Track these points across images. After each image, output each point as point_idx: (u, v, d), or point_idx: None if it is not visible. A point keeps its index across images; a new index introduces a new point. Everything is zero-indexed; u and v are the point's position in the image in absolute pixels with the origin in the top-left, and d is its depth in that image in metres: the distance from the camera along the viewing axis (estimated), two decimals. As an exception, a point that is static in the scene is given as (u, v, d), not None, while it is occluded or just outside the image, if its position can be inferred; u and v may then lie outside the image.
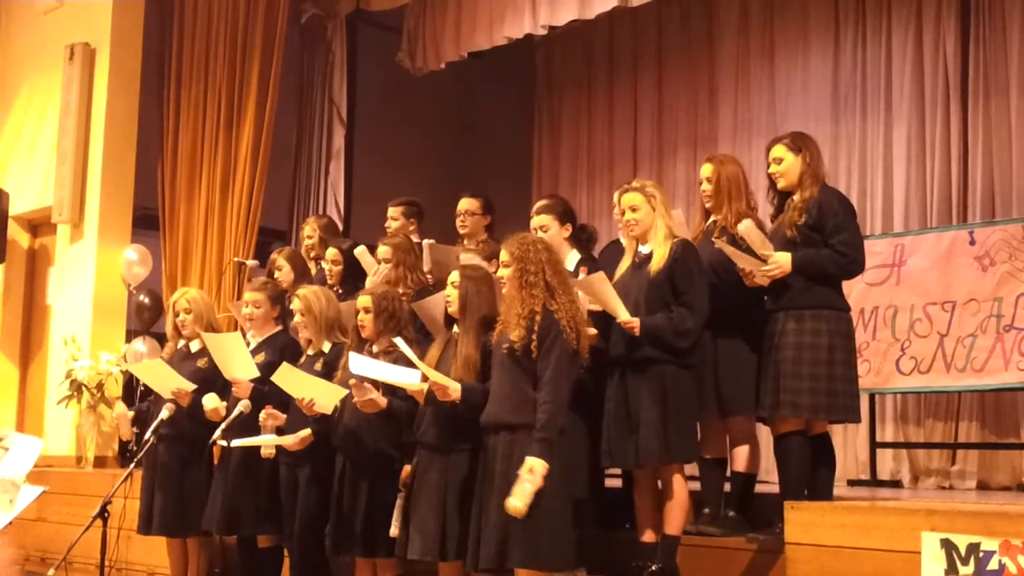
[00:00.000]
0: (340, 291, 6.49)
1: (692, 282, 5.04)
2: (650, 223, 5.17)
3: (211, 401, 6.09)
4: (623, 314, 4.98)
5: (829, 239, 5.06)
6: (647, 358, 5.00)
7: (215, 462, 6.26)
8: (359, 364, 5.07)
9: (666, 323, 4.98)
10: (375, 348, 5.45)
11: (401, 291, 5.91)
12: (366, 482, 5.33)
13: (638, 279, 5.13)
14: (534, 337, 4.63)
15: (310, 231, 7.42)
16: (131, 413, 6.50)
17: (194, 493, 6.27)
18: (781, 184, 5.27)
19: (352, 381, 5.19)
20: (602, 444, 5.15)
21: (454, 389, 4.84)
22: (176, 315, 6.53)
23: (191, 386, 6.21)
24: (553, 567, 4.62)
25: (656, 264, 5.07)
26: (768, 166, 5.32)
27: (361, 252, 6.53)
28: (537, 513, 4.49)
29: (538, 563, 4.57)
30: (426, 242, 6.43)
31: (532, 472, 4.47)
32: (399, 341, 5.08)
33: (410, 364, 5.04)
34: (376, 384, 5.18)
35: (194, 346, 6.49)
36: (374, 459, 5.31)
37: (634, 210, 5.20)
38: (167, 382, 6.28)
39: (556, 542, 4.57)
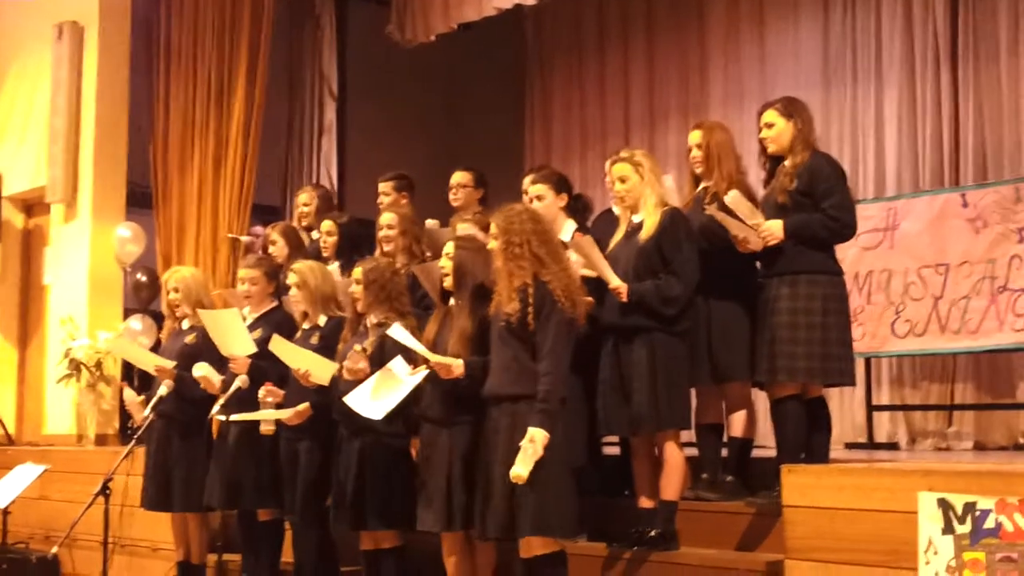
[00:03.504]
0: (338, 264, 6.51)
1: (680, 249, 5.06)
2: (639, 193, 5.19)
3: (200, 369, 6.11)
4: (612, 279, 5.01)
5: (820, 204, 5.07)
6: (637, 326, 5.04)
7: (214, 437, 6.30)
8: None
9: (653, 290, 5.01)
10: (370, 321, 5.46)
11: (404, 260, 5.93)
12: (366, 454, 5.34)
13: (628, 248, 5.16)
14: (529, 309, 4.64)
15: (307, 199, 7.41)
16: (140, 398, 6.50)
17: (195, 468, 6.30)
18: (772, 149, 5.27)
19: (355, 348, 5.21)
20: (599, 412, 5.18)
21: (456, 366, 4.85)
22: (167, 293, 6.57)
23: (169, 363, 6.24)
24: (560, 534, 4.66)
25: (646, 233, 5.10)
26: (760, 131, 5.33)
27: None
28: (543, 482, 4.52)
29: (546, 531, 4.61)
30: (427, 228, 6.44)
31: (533, 442, 4.50)
32: (396, 330, 5.08)
33: (407, 351, 5.06)
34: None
35: (185, 324, 6.53)
36: (373, 431, 5.33)
37: (623, 180, 5.22)
38: (144, 361, 6.31)
39: (562, 510, 4.61)
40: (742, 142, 5.79)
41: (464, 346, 4.92)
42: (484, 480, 4.75)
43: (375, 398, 5.07)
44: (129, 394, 6.60)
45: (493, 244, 4.84)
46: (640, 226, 5.16)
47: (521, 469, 4.46)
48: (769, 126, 5.27)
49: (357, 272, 5.49)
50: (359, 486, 5.32)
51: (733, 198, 5.10)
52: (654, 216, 5.12)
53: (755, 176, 5.71)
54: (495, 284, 4.89)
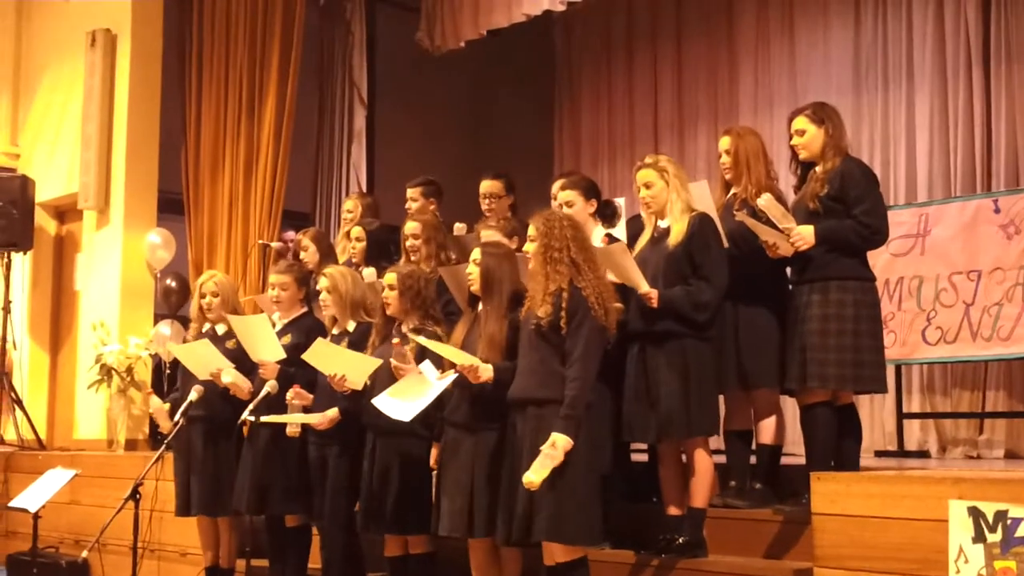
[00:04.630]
0: (373, 269, 6.52)
1: (709, 255, 5.04)
2: (665, 198, 5.18)
3: (228, 375, 6.15)
4: (643, 285, 4.99)
5: (852, 210, 5.03)
6: (666, 331, 5.01)
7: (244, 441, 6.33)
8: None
9: (683, 296, 4.99)
10: (403, 328, 5.48)
11: (430, 267, 5.94)
12: (396, 460, 5.37)
13: (656, 254, 5.14)
14: (563, 314, 4.64)
15: (352, 206, 7.41)
16: (167, 405, 6.52)
17: (224, 473, 6.33)
18: (803, 155, 5.25)
19: (395, 342, 5.22)
20: (623, 418, 5.17)
21: (485, 370, 4.86)
22: (203, 297, 6.58)
23: (231, 366, 6.27)
24: (578, 541, 4.65)
25: (674, 239, 5.08)
26: (790, 138, 5.31)
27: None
28: (563, 488, 4.51)
29: (563, 537, 4.60)
30: (457, 226, 6.44)
31: (554, 447, 4.49)
32: (421, 339, 5.11)
33: (437, 358, 5.07)
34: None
35: (220, 329, 6.54)
36: (404, 436, 5.35)
37: (648, 187, 5.21)
38: (209, 363, 6.33)
39: (581, 517, 4.59)
40: (772, 148, 5.78)
41: (493, 352, 4.92)
42: (507, 485, 4.74)
43: (404, 400, 5.08)
44: (155, 402, 6.63)
45: (530, 247, 4.83)
46: (667, 232, 5.15)
47: (534, 476, 4.44)
48: (800, 133, 5.25)
49: (391, 278, 5.51)
50: (398, 490, 5.34)
51: (766, 201, 5.08)
52: (681, 222, 5.11)
53: (786, 182, 5.68)
54: (525, 289, 4.89)
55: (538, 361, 4.70)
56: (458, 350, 4.97)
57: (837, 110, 5.33)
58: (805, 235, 5.04)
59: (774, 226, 5.08)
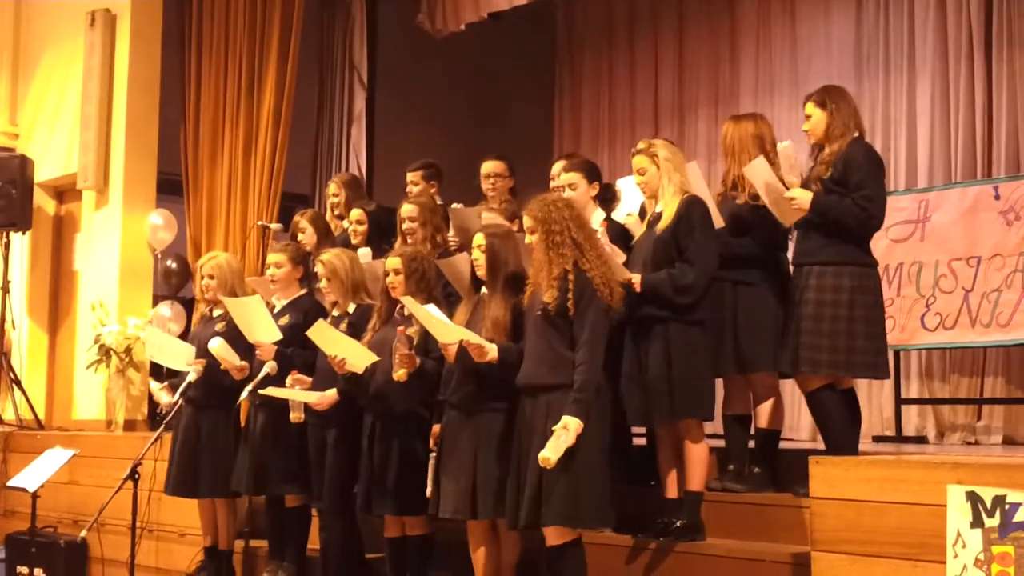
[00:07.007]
0: (369, 250, 6.51)
1: (693, 238, 5.03)
2: (657, 183, 5.18)
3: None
4: (623, 272, 4.99)
5: (851, 193, 5.04)
6: (650, 316, 5.03)
7: (242, 424, 6.33)
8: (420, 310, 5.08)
9: (666, 279, 4.99)
10: (405, 311, 5.47)
11: (427, 250, 5.94)
12: (396, 441, 5.37)
13: (648, 238, 5.16)
14: (569, 296, 4.64)
15: (336, 188, 7.42)
16: (164, 384, 6.53)
17: (223, 454, 6.34)
18: (811, 140, 5.28)
19: (400, 328, 5.22)
20: (623, 402, 5.17)
21: (490, 349, 4.85)
22: (201, 279, 6.59)
23: (197, 364, 6.27)
24: (589, 524, 4.66)
25: (663, 223, 5.10)
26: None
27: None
28: (574, 472, 4.52)
29: (575, 521, 4.61)
30: (453, 207, 6.43)
31: (566, 429, 4.49)
32: (431, 308, 5.10)
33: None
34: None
35: (216, 312, 6.55)
36: (404, 418, 5.35)
37: (641, 172, 5.23)
38: (176, 356, 6.37)
39: (592, 500, 4.60)
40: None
41: (498, 335, 4.92)
42: (516, 470, 4.74)
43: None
44: (153, 386, 6.66)
45: (530, 238, 4.81)
46: (660, 216, 5.16)
47: (550, 453, 4.45)
48: (808, 118, 5.26)
49: (395, 262, 5.49)
50: (398, 472, 5.34)
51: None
52: (672, 205, 5.12)
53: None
54: (527, 273, 4.88)
55: (546, 347, 4.69)
56: (456, 327, 4.97)
57: (847, 92, 5.33)
58: (801, 200, 5.05)
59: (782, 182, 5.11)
